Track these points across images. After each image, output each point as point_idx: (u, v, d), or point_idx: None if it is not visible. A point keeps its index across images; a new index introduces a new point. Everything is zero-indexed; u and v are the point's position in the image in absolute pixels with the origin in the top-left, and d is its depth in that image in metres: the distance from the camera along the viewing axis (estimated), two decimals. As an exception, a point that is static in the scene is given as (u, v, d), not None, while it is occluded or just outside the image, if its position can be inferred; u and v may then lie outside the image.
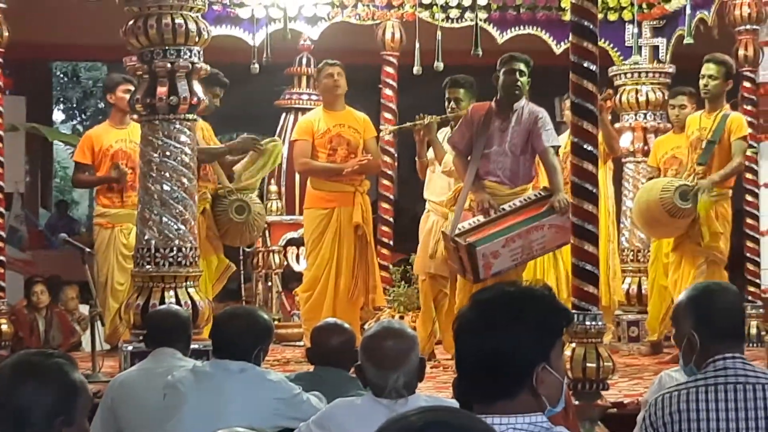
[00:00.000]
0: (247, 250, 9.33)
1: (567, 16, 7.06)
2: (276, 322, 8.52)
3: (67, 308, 9.47)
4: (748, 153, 8.00)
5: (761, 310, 8.28)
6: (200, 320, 6.39)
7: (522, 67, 6.83)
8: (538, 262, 7.54)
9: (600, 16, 7.00)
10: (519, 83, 6.80)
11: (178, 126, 6.45)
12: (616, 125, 8.98)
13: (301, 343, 8.16)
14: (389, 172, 9.20)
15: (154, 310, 5.89)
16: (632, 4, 9.03)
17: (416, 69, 8.37)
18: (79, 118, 23.54)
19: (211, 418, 3.87)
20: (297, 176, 9.37)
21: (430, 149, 7.69)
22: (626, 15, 9.13)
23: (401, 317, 7.96)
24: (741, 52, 8.34)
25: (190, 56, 6.47)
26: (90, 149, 7.99)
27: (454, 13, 8.92)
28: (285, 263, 9.64)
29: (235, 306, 6.07)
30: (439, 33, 8.39)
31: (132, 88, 7.25)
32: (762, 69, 8.20)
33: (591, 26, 5.60)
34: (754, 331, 8.32)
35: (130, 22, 6.48)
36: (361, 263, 7.68)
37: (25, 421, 2.44)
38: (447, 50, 8.25)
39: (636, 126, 9.17)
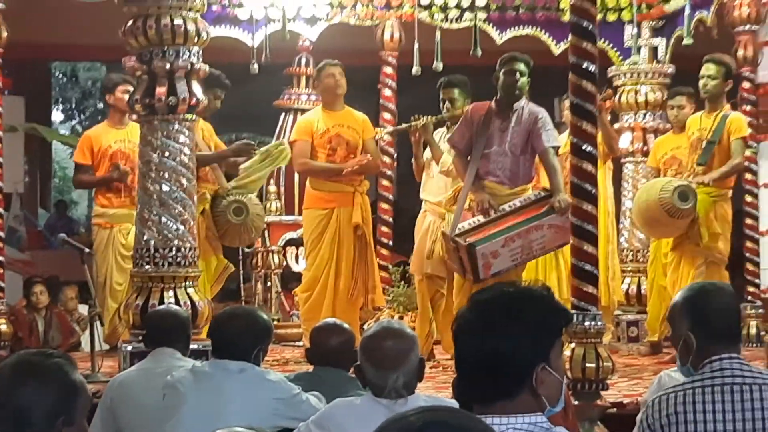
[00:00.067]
0: (247, 250, 9.33)
1: (566, 17, 7.08)
2: (275, 322, 8.52)
3: (67, 308, 9.46)
4: (747, 153, 8.00)
5: (761, 310, 8.28)
6: (199, 320, 6.39)
7: (522, 67, 6.83)
8: (540, 263, 7.54)
9: (599, 16, 7.03)
10: (519, 83, 6.80)
11: (177, 126, 6.45)
12: (616, 125, 8.98)
13: (301, 344, 8.15)
14: (389, 173, 9.21)
15: (154, 310, 5.89)
16: (631, 5, 9.03)
17: (415, 69, 8.37)
18: (78, 119, 23.54)
19: (210, 418, 3.87)
20: (296, 176, 9.37)
21: (427, 150, 7.69)
22: (625, 15, 9.13)
23: (401, 317, 7.96)
24: (740, 53, 8.34)
25: (189, 57, 6.47)
26: (89, 149, 7.98)
27: (453, 13, 8.93)
28: (284, 263, 9.64)
29: (234, 306, 6.07)
30: (438, 33, 8.40)
31: (131, 88, 7.24)
32: (761, 69, 8.19)
33: (590, 27, 5.60)
34: (753, 331, 8.32)
35: (129, 23, 6.48)
36: (361, 263, 7.67)
37: (26, 421, 2.44)
38: (446, 50, 8.25)
39: (635, 126, 9.17)
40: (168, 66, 6.42)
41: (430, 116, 7.55)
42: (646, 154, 8.91)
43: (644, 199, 7.81)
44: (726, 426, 3.11)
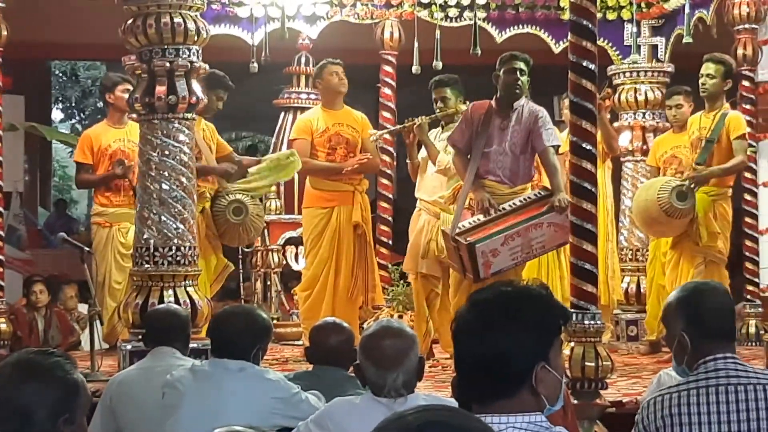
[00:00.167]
0: (246, 249, 9.33)
1: (566, 15, 7.08)
2: (275, 321, 8.53)
3: (66, 307, 9.47)
4: (747, 152, 7.99)
5: (760, 309, 8.29)
6: (199, 319, 6.39)
7: (522, 66, 6.83)
8: (542, 262, 7.54)
9: (599, 15, 7.02)
10: (519, 82, 6.79)
11: (176, 125, 6.45)
12: (615, 124, 8.98)
13: (300, 342, 8.15)
14: (388, 172, 9.21)
15: (153, 309, 5.89)
16: (631, 3, 9.04)
17: (415, 68, 8.36)
18: (77, 117, 23.54)
19: (209, 416, 3.87)
20: (296, 175, 9.36)
21: (422, 149, 7.70)
22: (625, 14, 9.13)
23: (400, 316, 7.95)
24: (740, 51, 8.35)
25: (189, 55, 6.47)
26: (90, 149, 7.97)
27: (452, 12, 8.93)
28: (284, 262, 9.64)
29: (233, 305, 6.06)
30: (437, 32, 8.39)
31: (130, 87, 7.24)
32: (761, 68, 8.22)
33: (590, 25, 5.60)
34: (753, 330, 8.32)
35: (129, 21, 6.48)
36: (360, 262, 7.68)
37: (29, 420, 2.43)
38: (446, 49, 8.24)
39: (635, 125, 9.18)
40: (168, 65, 6.42)
41: (423, 116, 7.56)
42: (645, 152, 8.91)
43: (643, 199, 7.82)
44: (721, 427, 3.09)
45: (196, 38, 6.47)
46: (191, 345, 5.03)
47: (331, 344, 4.40)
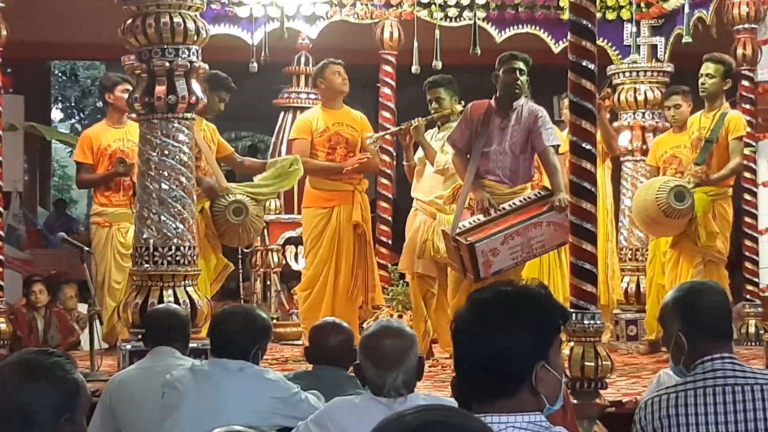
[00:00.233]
0: (246, 249, 9.33)
1: (565, 15, 7.08)
2: (274, 321, 8.53)
3: (66, 307, 9.46)
4: (747, 152, 8.00)
5: (760, 309, 8.28)
6: (199, 319, 6.39)
7: (522, 65, 6.83)
8: (543, 261, 7.54)
9: (598, 15, 7.02)
10: (519, 82, 6.79)
11: (176, 125, 6.45)
12: (615, 124, 8.98)
13: (300, 342, 8.15)
14: (388, 171, 9.21)
15: (153, 309, 5.89)
16: (631, 3, 9.04)
17: (415, 68, 8.37)
18: (77, 117, 23.53)
19: (209, 416, 3.87)
20: (296, 175, 9.36)
21: (419, 150, 7.69)
22: (625, 14, 9.14)
23: (400, 316, 7.95)
24: (739, 51, 8.35)
25: (189, 55, 6.47)
26: (89, 148, 7.98)
27: (452, 12, 8.93)
28: (284, 262, 9.64)
29: (233, 305, 6.06)
30: (437, 32, 8.39)
31: (130, 87, 7.24)
32: (760, 68, 8.22)
33: (589, 25, 5.60)
34: (753, 329, 8.33)
35: (129, 21, 6.48)
36: (360, 262, 7.68)
37: (30, 420, 2.43)
38: (445, 49, 8.24)
39: (634, 125, 9.18)
40: (167, 64, 6.41)
41: (419, 118, 7.56)
42: (645, 152, 8.92)
43: (642, 199, 7.82)
44: (719, 428, 3.09)
45: (195, 38, 6.47)
46: (191, 345, 5.03)
47: (331, 344, 4.40)
